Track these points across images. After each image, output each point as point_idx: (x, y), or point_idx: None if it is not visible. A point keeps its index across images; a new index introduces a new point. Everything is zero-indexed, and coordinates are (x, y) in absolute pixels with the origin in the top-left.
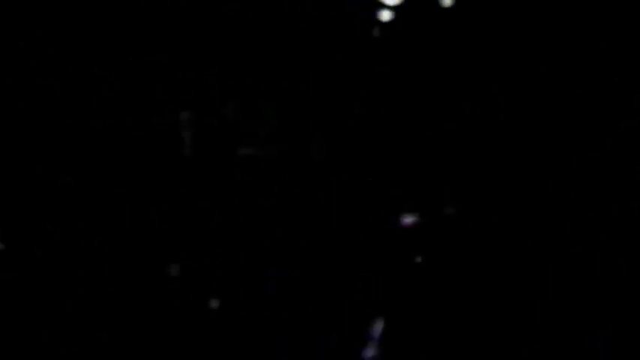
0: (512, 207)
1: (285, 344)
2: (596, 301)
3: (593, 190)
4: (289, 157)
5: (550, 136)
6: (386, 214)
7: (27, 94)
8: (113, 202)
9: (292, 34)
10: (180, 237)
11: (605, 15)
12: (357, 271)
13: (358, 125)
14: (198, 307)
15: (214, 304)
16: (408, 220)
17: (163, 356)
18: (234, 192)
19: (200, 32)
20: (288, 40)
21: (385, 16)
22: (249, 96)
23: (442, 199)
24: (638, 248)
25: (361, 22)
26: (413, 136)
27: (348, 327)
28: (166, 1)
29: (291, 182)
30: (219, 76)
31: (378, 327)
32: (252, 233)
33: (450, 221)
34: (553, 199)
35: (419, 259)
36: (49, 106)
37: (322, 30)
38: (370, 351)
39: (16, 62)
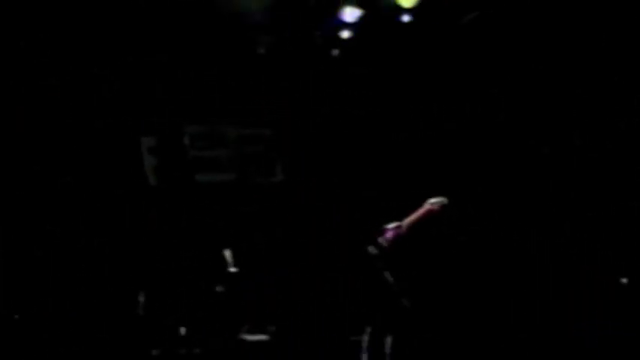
0: (509, 205)
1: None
2: (582, 293)
3: (592, 190)
4: (250, 181)
5: (548, 137)
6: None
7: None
8: (79, 227)
9: (254, 57)
10: (146, 263)
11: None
12: (328, 285)
13: (322, 144)
14: (167, 335)
15: (182, 331)
16: (391, 228)
17: None
18: (196, 218)
19: (159, 56)
20: (248, 62)
21: (345, 34)
22: (209, 121)
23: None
24: (625, 245)
25: (322, 41)
26: (379, 153)
27: (335, 335)
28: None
29: (254, 205)
30: (180, 101)
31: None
32: (217, 257)
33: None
34: (552, 199)
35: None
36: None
37: (284, 51)
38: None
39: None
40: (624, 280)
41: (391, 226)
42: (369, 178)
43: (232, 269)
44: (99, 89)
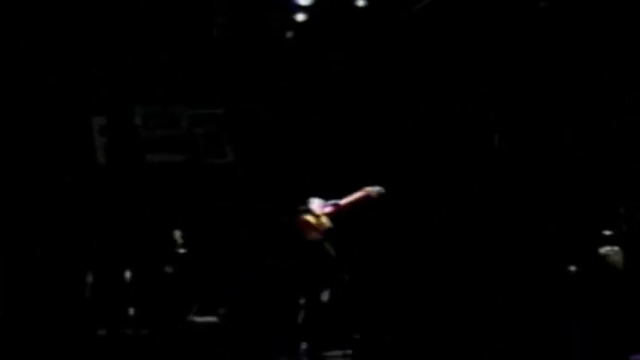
0: (494, 203)
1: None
2: (571, 293)
3: (582, 189)
4: (201, 162)
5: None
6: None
7: None
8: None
9: (207, 38)
10: (94, 243)
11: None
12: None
13: (273, 126)
14: (116, 314)
15: (131, 311)
16: (330, 204)
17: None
18: (146, 198)
19: (112, 36)
20: (202, 43)
21: (299, 17)
22: (160, 101)
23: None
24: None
25: (276, 24)
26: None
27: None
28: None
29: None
30: (131, 81)
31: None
32: (166, 238)
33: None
34: (539, 197)
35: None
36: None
37: (239, 33)
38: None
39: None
40: (572, 268)
41: (330, 202)
42: (318, 158)
43: (181, 250)
44: (52, 69)
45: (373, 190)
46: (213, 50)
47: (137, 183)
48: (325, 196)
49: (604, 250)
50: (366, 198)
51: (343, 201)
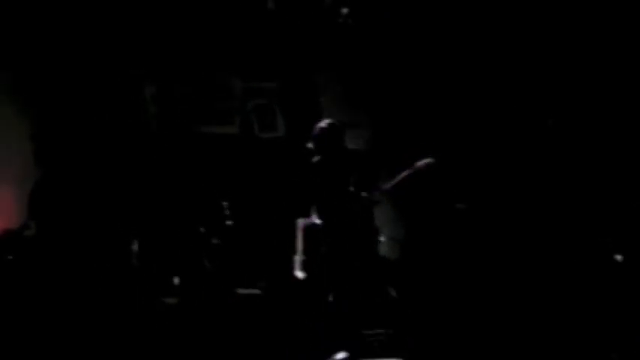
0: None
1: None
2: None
3: (596, 188)
4: (252, 134)
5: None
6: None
7: None
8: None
9: (262, 11)
10: (142, 212)
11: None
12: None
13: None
14: (158, 280)
15: (176, 280)
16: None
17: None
18: (196, 169)
19: (168, 6)
20: (257, 16)
21: None
22: (215, 72)
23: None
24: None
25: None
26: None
27: None
28: None
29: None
30: (183, 52)
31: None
32: (215, 209)
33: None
34: (557, 198)
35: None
36: None
37: (294, 7)
38: None
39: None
40: (618, 257)
41: (382, 186)
42: (371, 137)
43: (229, 222)
44: (105, 35)
45: (421, 164)
46: (268, 23)
47: (187, 153)
48: (378, 173)
49: None
50: (415, 175)
51: (385, 186)
